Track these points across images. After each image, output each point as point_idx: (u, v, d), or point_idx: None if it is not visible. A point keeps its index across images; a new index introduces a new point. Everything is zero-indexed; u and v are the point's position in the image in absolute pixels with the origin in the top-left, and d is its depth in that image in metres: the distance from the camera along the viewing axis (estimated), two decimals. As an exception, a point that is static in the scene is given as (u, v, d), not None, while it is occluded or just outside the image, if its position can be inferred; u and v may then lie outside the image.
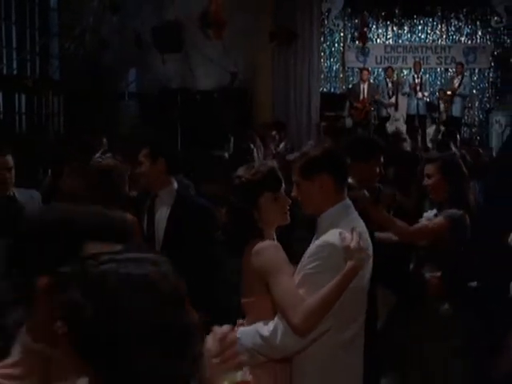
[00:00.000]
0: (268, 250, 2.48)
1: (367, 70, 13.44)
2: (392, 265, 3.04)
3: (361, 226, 2.58)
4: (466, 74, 13.73)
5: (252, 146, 7.32)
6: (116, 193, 3.42)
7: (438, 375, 3.31)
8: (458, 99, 12.97)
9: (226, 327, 1.49)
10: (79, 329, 1.10)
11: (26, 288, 1.29)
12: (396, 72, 13.94)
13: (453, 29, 14.76)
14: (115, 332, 1.08)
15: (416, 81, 13.14)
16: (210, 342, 1.43)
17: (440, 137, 12.93)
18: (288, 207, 2.61)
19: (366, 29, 13.27)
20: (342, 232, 2.37)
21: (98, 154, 5.03)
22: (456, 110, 12.96)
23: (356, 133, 12.45)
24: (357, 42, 14.67)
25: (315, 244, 2.48)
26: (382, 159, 3.51)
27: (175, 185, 3.79)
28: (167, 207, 3.69)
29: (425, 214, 3.57)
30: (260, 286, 2.48)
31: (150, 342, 1.09)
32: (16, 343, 1.30)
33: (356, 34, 14.72)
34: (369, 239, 2.59)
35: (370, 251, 2.57)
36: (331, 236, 2.42)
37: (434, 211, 3.51)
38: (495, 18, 13.86)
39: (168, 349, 1.09)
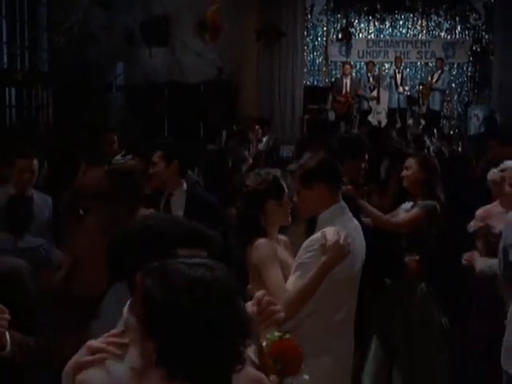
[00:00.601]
0: (262, 247, 2.86)
1: (349, 64, 13.79)
2: (380, 253, 3.42)
3: (354, 224, 3.03)
4: (446, 68, 14.12)
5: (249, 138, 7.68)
6: (138, 193, 3.71)
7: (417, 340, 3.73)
8: (437, 93, 13.38)
9: (261, 292, 1.84)
10: (146, 307, 1.50)
11: (129, 281, 1.70)
12: (377, 66, 14.32)
13: (433, 24, 15.16)
14: (170, 314, 1.46)
15: (397, 76, 13.51)
16: (250, 306, 1.78)
17: (420, 129, 13.40)
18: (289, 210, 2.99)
19: (350, 28, 13.59)
20: (323, 231, 2.77)
21: (118, 156, 5.35)
22: (435, 103, 13.37)
23: (339, 126, 12.85)
24: (340, 37, 15.06)
25: (309, 238, 2.90)
26: (366, 156, 3.94)
27: (185, 185, 4.16)
28: (181, 206, 4.03)
29: (402, 206, 3.95)
30: (256, 276, 2.86)
31: (196, 328, 1.46)
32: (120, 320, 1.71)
33: (338, 28, 15.11)
34: (360, 234, 3.02)
35: (359, 246, 2.99)
36: (320, 233, 2.83)
37: (411, 203, 3.89)
38: (473, 14, 14.29)
39: (209, 335, 1.47)
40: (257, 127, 9.35)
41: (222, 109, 12.51)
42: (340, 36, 13.60)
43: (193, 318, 1.46)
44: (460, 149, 9.59)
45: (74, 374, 1.63)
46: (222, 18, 9.49)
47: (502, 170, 3.81)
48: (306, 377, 1.93)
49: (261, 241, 2.85)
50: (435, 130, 10.69)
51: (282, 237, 3.06)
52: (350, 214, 3.05)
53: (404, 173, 3.91)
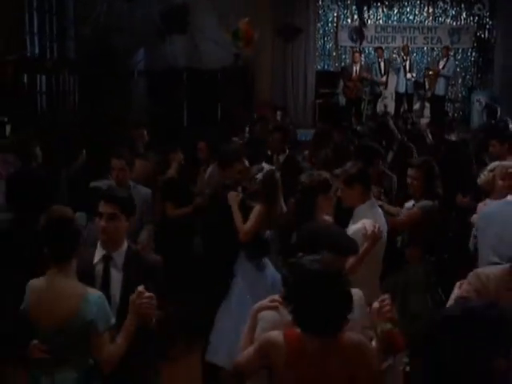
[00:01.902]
0: None
1: (359, 52, 14.41)
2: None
3: (381, 216, 4.08)
4: (451, 56, 14.72)
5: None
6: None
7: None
8: (442, 79, 14.05)
9: (384, 296, 2.71)
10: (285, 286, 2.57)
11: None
12: (387, 52, 14.93)
13: (439, 11, 15.77)
14: (297, 291, 2.47)
15: (405, 62, 14.15)
16: (375, 303, 2.66)
17: (428, 113, 14.15)
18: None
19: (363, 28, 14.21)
20: (363, 223, 3.79)
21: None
22: (440, 89, 14.03)
23: (350, 110, 13.62)
24: (349, 22, 15.72)
25: (352, 228, 3.88)
26: (380, 162, 4.85)
27: None
28: None
29: (406, 205, 4.79)
30: None
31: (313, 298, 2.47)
32: None
33: (348, 14, 15.77)
34: (385, 224, 4.01)
35: (385, 235, 3.97)
36: (361, 224, 3.87)
37: (413, 202, 4.74)
38: (478, 4, 14.90)
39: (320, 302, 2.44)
40: (278, 113, 10.09)
41: (239, 94, 13.23)
42: (354, 37, 14.18)
43: (311, 293, 2.44)
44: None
45: (256, 313, 2.74)
46: (253, 28, 10.23)
47: (491, 170, 4.61)
48: (405, 360, 2.80)
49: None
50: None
51: None
52: (378, 208, 4.09)
53: (409, 181, 4.72)
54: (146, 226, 4.97)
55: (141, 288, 2.96)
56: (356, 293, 2.77)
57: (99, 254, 3.26)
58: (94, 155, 8.03)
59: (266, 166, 5.07)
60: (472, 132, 9.91)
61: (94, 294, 3.00)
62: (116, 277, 3.23)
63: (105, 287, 3.19)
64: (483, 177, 4.64)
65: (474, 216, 4.68)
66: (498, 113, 9.98)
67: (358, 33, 14.10)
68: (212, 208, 4.84)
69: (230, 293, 4.46)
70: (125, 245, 3.29)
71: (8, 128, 10.36)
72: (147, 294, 2.94)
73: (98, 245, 3.28)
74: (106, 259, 3.25)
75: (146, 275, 3.15)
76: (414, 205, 4.67)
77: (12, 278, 3.62)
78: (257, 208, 4.52)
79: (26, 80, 11.42)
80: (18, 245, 3.85)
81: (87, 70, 12.84)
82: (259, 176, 4.71)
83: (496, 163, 4.64)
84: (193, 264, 5.15)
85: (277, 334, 2.53)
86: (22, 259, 3.68)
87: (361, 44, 14.68)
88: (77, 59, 13.04)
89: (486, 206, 4.36)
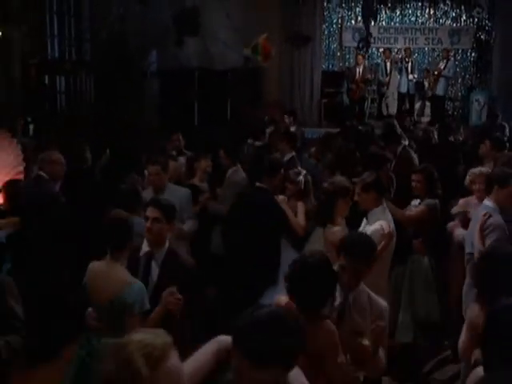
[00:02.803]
0: (338, 232, 4.43)
1: (362, 55, 14.96)
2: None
3: (392, 221, 4.64)
4: (451, 57, 15.28)
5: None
6: None
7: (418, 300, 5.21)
8: (442, 79, 14.63)
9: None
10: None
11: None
12: (393, 53, 15.52)
13: (440, 13, 16.36)
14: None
15: (407, 64, 14.75)
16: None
17: (428, 112, 14.77)
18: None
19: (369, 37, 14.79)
20: (380, 224, 4.43)
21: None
22: (440, 89, 14.61)
23: (354, 110, 14.24)
24: (353, 23, 16.32)
25: (373, 227, 4.47)
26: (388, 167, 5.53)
27: None
28: None
29: (412, 203, 5.44)
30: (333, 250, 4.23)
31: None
32: None
33: (352, 15, 16.37)
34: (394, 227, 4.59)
35: (394, 235, 4.57)
36: (378, 225, 4.47)
37: (418, 201, 5.39)
38: (477, 8, 15.49)
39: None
40: (285, 117, 10.75)
41: (248, 94, 13.82)
42: (360, 45, 14.76)
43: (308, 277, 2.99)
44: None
45: None
46: (271, 43, 10.92)
47: (469, 176, 5.35)
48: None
49: (337, 228, 4.42)
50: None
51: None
52: (388, 211, 4.71)
53: (413, 184, 5.39)
54: (187, 221, 5.50)
55: (173, 289, 3.59)
56: (383, 303, 3.39)
57: (145, 248, 3.91)
58: (118, 154, 8.67)
59: (302, 170, 5.76)
60: (467, 131, 10.50)
61: (137, 283, 3.67)
62: (155, 271, 3.87)
63: (145, 277, 3.84)
64: (466, 180, 5.39)
65: (454, 208, 5.40)
66: (499, 116, 10.55)
67: (364, 41, 14.67)
68: (238, 206, 5.41)
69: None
70: (166, 245, 3.91)
71: (31, 127, 11.01)
72: (177, 295, 3.57)
73: (145, 241, 3.92)
74: (149, 255, 3.90)
75: (179, 274, 3.77)
76: (419, 203, 5.33)
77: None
78: (301, 205, 5.27)
79: (47, 81, 12.06)
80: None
81: (102, 71, 13.45)
82: (300, 178, 5.47)
83: (474, 170, 5.41)
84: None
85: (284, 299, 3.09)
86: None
87: (366, 52, 15.24)
88: (93, 61, 13.65)
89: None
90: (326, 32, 16.34)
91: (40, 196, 5.60)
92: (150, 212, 3.86)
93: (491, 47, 15.63)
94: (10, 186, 5.90)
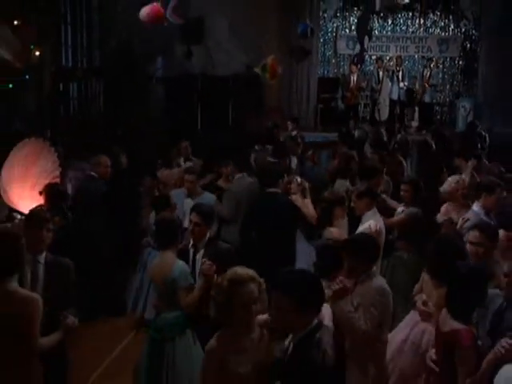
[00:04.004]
0: (336, 232, 5.28)
1: (355, 64, 15.84)
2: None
3: (381, 221, 5.63)
4: (433, 65, 16.16)
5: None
6: None
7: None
8: (428, 87, 15.62)
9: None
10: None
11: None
12: (385, 62, 16.43)
13: (430, 22, 17.30)
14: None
15: (398, 73, 15.69)
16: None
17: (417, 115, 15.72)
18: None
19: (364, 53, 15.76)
20: (369, 224, 5.37)
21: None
22: (427, 96, 15.61)
23: (348, 115, 15.15)
24: (347, 32, 17.25)
25: (363, 227, 5.41)
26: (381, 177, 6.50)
27: None
28: None
29: (397, 209, 6.35)
30: None
31: None
32: None
33: (346, 24, 17.30)
34: (383, 227, 5.57)
35: (383, 233, 5.53)
36: (367, 225, 5.42)
37: (403, 208, 6.29)
38: (464, 20, 16.45)
39: None
40: (288, 123, 11.69)
41: (249, 99, 14.67)
42: (355, 60, 15.70)
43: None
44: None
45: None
46: (278, 64, 11.89)
47: (454, 184, 6.28)
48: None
49: (334, 229, 5.32)
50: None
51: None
52: (379, 214, 5.72)
53: (402, 193, 6.32)
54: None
55: (206, 259, 4.51)
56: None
57: (192, 241, 4.91)
58: (135, 159, 9.52)
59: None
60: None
61: (181, 264, 4.59)
62: (199, 258, 4.83)
63: (193, 263, 4.85)
64: (441, 191, 6.37)
65: (439, 216, 6.27)
66: (478, 126, 11.51)
67: (359, 57, 15.63)
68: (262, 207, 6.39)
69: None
70: (206, 238, 4.90)
71: (48, 133, 11.81)
72: (208, 262, 4.44)
73: None
74: (195, 247, 4.92)
75: (216, 257, 4.63)
76: (402, 210, 6.26)
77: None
78: (308, 200, 6.18)
79: (61, 88, 12.87)
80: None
81: (111, 77, 14.27)
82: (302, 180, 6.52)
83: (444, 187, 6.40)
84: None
85: None
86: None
87: (361, 66, 16.16)
88: (102, 68, 14.47)
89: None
90: (321, 40, 17.24)
91: (94, 191, 7.04)
92: (193, 217, 4.81)
93: (477, 56, 16.56)
94: (50, 189, 6.74)
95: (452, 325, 3.51)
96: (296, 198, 6.13)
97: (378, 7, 14.88)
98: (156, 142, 12.86)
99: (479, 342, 3.48)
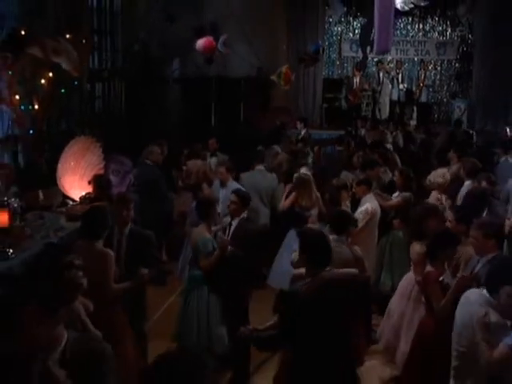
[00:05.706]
0: None
1: (358, 68, 17.02)
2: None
3: (377, 204, 6.86)
4: (431, 67, 17.39)
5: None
6: None
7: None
8: (424, 88, 16.87)
9: None
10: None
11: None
12: (385, 64, 17.55)
13: (428, 27, 18.46)
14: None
15: (398, 76, 16.86)
16: None
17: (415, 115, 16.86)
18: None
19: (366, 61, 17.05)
20: (367, 206, 6.66)
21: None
22: (424, 96, 16.86)
23: (351, 114, 16.30)
24: (351, 35, 18.40)
25: (361, 208, 6.68)
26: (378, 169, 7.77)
27: None
28: None
29: (394, 195, 7.52)
30: None
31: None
32: None
33: (350, 28, 18.45)
34: (378, 209, 6.82)
35: (378, 214, 6.79)
36: (364, 207, 6.69)
37: (398, 193, 7.48)
38: (460, 27, 17.60)
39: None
40: (297, 123, 12.89)
41: (258, 99, 15.82)
42: (358, 65, 16.90)
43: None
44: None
45: None
46: (291, 72, 13.17)
47: (441, 177, 7.48)
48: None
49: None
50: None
51: None
52: (374, 198, 6.95)
53: (396, 180, 7.54)
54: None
55: (222, 235, 5.80)
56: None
57: (228, 219, 6.18)
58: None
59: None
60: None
61: (206, 235, 5.75)
62: (231, 232, 6.07)
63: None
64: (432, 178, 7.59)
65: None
66: (463, 123, 12.78)
67: (361, 64, 16.86)
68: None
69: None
70: (241, 216, 6.12)
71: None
72: (224, 238, 5.72)
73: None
74: (230, 223, 6.15)
75: (245, 235, 5.88)
76: (397, 195, 7.46)
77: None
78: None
79: (89, 88, 14.04)
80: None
81: (132, 78, 15.41)
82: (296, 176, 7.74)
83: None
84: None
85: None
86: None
87: (363, 72, 17.32)
88: (124, 69, 15.61)
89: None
90: (326, 43, 18.41)
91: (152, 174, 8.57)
92: (232, 197, 6.11)
93: (473, 58, 17.70)
94: (97, 179, 7.91)
95: (427, 269, 4.83)
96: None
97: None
98: (175, 137, 13.96)
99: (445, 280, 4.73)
